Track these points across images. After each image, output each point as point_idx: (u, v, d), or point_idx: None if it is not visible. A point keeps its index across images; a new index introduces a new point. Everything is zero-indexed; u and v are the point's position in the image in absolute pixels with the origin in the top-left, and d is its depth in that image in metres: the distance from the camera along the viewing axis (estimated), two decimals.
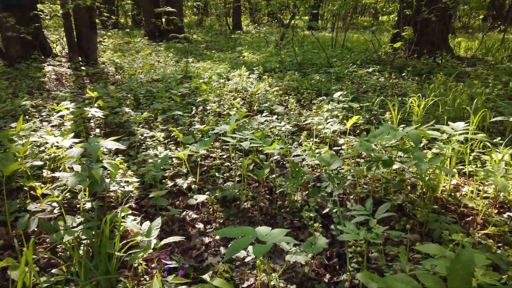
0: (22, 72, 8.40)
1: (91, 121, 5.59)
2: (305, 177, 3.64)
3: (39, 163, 3.43)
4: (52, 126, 5.16)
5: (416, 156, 2.94)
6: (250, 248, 2.56)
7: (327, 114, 5.38)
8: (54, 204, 3.19)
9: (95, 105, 5.70)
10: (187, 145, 4.47)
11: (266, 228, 2.22)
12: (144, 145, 4.75)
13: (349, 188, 3.29)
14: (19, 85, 7.42)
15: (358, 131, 5.27)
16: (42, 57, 9.66)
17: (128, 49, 13.24)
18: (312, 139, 4.71)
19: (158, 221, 2.34)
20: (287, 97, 6.78)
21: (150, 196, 3.21)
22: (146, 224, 2.47)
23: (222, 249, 3.00)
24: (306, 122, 5.32)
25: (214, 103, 6.17)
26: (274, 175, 3.77)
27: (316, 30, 19.78)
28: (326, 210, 3.10)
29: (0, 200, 3.51)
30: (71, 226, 2.68)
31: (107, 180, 3.34)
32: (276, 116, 5.55)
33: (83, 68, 8.87)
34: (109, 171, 3.08)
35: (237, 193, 3.59)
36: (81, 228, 2.52)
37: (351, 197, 3.53)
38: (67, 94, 6.45)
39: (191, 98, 6.69)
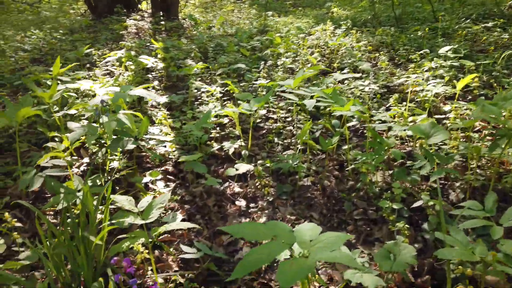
0: (106, 26, 8.42)
1: (152, 73, 5.14)
2: (389, 152, 2.66)
3: (72, 111, 3.00)
4: (106, 75, 4.81)
5: None
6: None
7: (428, 74, 4.14)
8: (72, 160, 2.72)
9: (158, 56, 5.23)
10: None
11: (313, 227, 1.39)
12: (199, 100, 4.13)
13: (455, 173, 2.25)
14: (98, 37, 7.38)
15: (470, 97, 3.96)
16: (124, 10, 9.65)
17: (213, 5, 12.83)
18: (405, 103, 3.60)
19: (164, 197, 1.67)
20: (377, 54, 5.57)
21: (182, 160, 2.56)
22: (165, 192, 1.79)
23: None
24: (399, 82, 4.17)
25: (288, 58, 5.27)
26: (346, 146, 2.84)
27: None
28: (419, 203, 2.11)
29: (25, 152, 3.18)
30: (76, 189, 2.15)
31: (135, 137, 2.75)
32: (360, 74, 4.47)
33: (162, 22, 8.64)
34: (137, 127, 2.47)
35: (295, 166, 2.77)
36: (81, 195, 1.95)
37: (457, 185, 2.47)
38: (133, 44, 6.11)
39: (262, 52, 5.88)
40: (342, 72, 4.50)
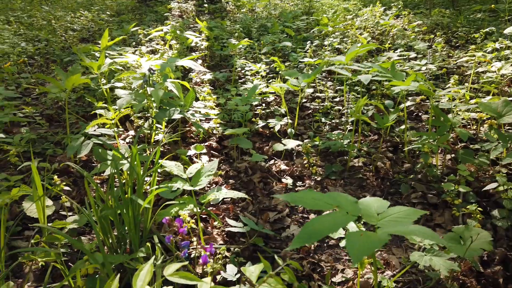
0: (151, 8, 8.54)
1: (195, 52, 5.09)
2: (454, 131, 2.43)
3: (119, 84, 2.98)
4: (151, 52, 4.81)
5: None
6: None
7: (491, 55, 3.79)
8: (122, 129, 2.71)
9: (202, 35, 5.17)
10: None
11: (379, 200, 1.24)
12: (243, 79, 4.03)
13: None
14: (144, 19, 7.47)
15: None
16: None
17: None
18: (467, 84, 3.30)
19: (213, 164, 1.58)
20: (431, 36, 5.20)
21: (227, 133, 2.47)
22: (209, 164, 1.70)
23: (313, 217, 2.12)
24: (458, 62, 3.85)
25: (335, 38, 5.04)
26: (403, 126, 2.63)
27: None
28: (492, 186, 1.89)
29: (74, 124, 3.23)
30: (124, 157, 2.12)
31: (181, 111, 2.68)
32: (415, 55, 4.17)
33: (205, 5, 8.64)
34: (183, 98, 2.41)
35: (345, 145, 2.60)
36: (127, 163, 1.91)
37: None
38: (178, 24, 6.09)
39: (308, 33, 5.67)
40: (395, 52, 4.23)
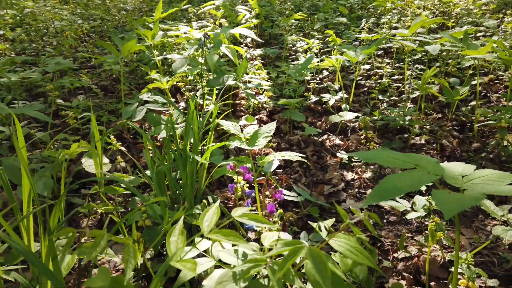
0: None
1: None
2: None
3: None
4: (202, 27, 4.80)
5: None
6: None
7: None
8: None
9: (252, 13, 5.08)
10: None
11: (462, 164, 1.11)
12: (294, 56, 3.91)
13: None
14: (193, 0, 7.50)
15: None
16: None
17: None
18: None
19: (271, 125, 1.50)
20: (500, 16, 4.76)
21: (280, 102, 2.37)
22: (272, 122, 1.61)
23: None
24: None
25: (393, 16, 4.76)
26: (473, 103, 2.40)
27: None
28: None
29: (127, 94, 3.27)
30: (176, 122, 2.10)
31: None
32: (482, 33, 3.83)
33: None
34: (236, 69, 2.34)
35: (406, 122, 2.43)
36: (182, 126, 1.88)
37: None
38: (227, 2, 6.04)
39: (362, 11, 5.41)
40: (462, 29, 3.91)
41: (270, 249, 0.88)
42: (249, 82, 2.62)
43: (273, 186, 2.02)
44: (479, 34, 3.77)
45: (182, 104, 3.00)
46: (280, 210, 1.31)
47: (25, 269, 1.41)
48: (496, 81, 3.06)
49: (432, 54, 3.37)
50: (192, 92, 3.06)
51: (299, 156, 1.46)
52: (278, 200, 1.65)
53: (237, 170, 1.43)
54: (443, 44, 2.48)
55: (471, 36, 3.72)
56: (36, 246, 1.28)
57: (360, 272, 1.09)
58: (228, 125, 1.45)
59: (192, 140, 1.54)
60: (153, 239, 1.22)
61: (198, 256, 1.03)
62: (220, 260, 1.00)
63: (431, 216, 1.44)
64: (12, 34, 5.01)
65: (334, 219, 0.99)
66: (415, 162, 1.04)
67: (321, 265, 0.71)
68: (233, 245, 1.02)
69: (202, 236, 0.89)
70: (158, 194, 1.42)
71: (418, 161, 1.05)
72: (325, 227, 1.02)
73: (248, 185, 1.64)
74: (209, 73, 2.80)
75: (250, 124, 2.53)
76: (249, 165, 1.46)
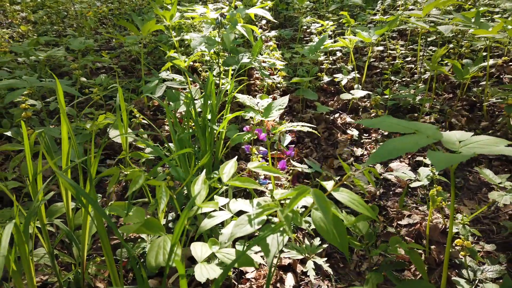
0: None
1: None
2: None
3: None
4: (218, 8, 4.86)
5: None
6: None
7: None
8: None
9: None
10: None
11: (460, 132, 1.20)
12: (308, 38, 3.96)
13: None
14: None
15: None
16: None
17: None
18: None
19: (284, 99, 1.59)
20: None
21: (294, 80, 2.46)
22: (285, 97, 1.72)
23: (379, 168, 2.09)
24: None
25: None
26: (485, 83, 2.45)
27: None
28: None
29: (146, 74, 3.39)
30: (193, 98, 2.21)
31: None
32: (499, 15, 3.80)
33: None
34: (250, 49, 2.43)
35: (417, 102, 2.49)
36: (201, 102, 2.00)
37: None
38: None
39: None
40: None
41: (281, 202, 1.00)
42: (264, 62, 2.71)
43: (286, 159, 2.12)
44: (496, 16, 3.74)
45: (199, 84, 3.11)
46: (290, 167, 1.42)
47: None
48: (510, 63, 3.07)
49: (446, 36, 3.38)
50: (208, 73, 3.16)
51: (309, 127, 1.55)
52: (289, 157, 1.76)
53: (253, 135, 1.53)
54: (457, 24, 2.51)
55: (487, 18, 3.70)
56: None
57: (363, 227, 1.19)
58: (244, 98, 1.55)
59: (210, 111, 1.66)
60: (177, 199, 1.35)
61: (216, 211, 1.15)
62: (236, 214, 1.12)
63: (434, 185, 1.53)
64: (34, 16, 5.17)
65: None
66: (415, 128, 1.13)
67: (323, 202, 0.83)
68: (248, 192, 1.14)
69: (221, 182, 1.01)
70: (180, 161, 1.54)
71: (419, 127, 1.14)
72: (330, 177, 1.13)
73: (262, 156, 1.75)
74: (225, 53, 2.89)
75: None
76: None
